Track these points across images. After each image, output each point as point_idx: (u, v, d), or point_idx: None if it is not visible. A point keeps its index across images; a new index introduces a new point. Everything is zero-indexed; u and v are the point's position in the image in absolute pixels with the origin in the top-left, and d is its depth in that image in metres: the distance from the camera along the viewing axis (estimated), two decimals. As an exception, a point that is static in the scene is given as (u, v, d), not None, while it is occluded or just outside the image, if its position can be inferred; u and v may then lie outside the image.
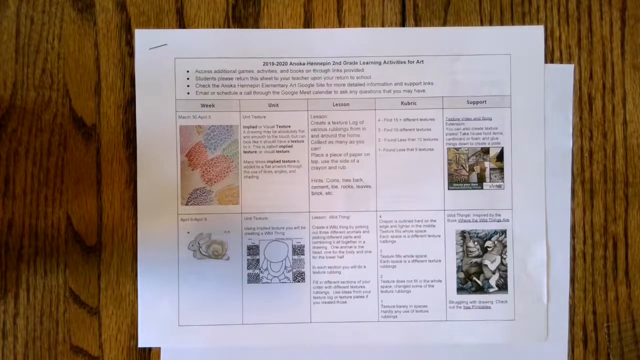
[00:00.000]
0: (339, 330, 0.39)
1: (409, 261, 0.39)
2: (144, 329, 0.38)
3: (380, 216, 0.39)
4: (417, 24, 0.39)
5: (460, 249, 0.39)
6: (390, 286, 0.39)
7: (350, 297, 0.39)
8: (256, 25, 0.39)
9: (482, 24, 0.39)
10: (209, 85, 0.39)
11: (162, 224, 0.38)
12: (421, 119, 0.39)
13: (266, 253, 0.39)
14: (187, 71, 0.38)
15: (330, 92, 0.39)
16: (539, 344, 0.39)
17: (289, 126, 0.39)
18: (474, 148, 0.39)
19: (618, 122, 0.39)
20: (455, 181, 0.39)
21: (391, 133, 0.39)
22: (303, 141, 0.39)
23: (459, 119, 0.39)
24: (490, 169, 0.39)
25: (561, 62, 0.39)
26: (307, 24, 0.39)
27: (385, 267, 0.39)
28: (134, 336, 0.38)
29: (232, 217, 0.39)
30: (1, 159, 0.38)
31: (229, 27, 0.39)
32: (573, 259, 0.39)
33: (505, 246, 0.39)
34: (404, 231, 0.39)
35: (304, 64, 0.39)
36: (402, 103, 0.39)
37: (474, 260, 0.39)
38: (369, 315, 0.39)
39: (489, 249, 0.39)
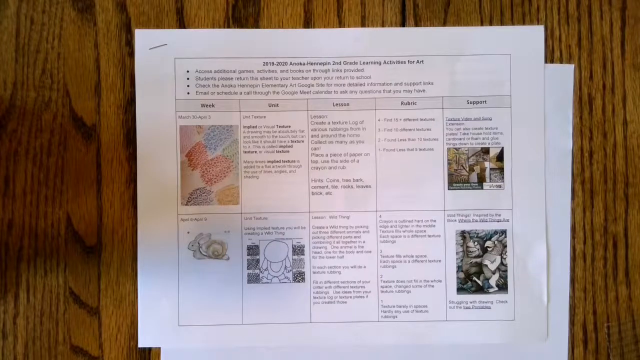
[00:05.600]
0: (339, 330, 0.39)
1: (409, 261, 0.39)
2: (144, 329, 0.38)
3: (380, 216, 0.39)
4: (417, 24, 0.39)
5: (460, 249, 0.39)
6: (390, 286, 0.39)
7: (350, 297, 0.39)
8: (256, 25, 0.39)
9: (482, 24, 0.39)
10: (209, 85, 0.39)
11: (162, 224, 0.38)
12: (421, 119, 0.39)
13: (266, 253, 0.39)
14: (187, 71, 0.38)
15: (330, 92, 0.39)
16: (539, 344, 0.39)
17: (289, 126, 0.39)
18: (474, 148, 0.39)
19: (618, 122, 0.39)
20: (455, 181, 0.39)
21: (391, 133, 0.39)
22: (303, 141, 0.39)
23: (459, 119, 0.39)
24: (490, 169, 0.39)
25: (561, 62, 0.39)
26: (307, 24, 0.39)
27: (385, 267, 0.39)
28: (134, 336, 0.38)
29: (232, 217, 0.39)
30: (1, 159, 0.38)
31: (229, 27, 0.39)
32: (573, 259, 0.39)
33: (505, 246, 0.39)
34: (404, 231, 0.39)
35: (304, 64, 0.39)
36: (402, 103, 0.39)
37: (474, 260, 0.39)
38: (369, 315, 0.39)
39: (489, 249, 0.39)
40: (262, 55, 0.39)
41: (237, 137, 0.39)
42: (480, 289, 0.39)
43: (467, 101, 0.39)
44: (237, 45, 0.39)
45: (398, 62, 0.39)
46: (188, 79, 0.38)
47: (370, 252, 0.39)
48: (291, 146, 0.39)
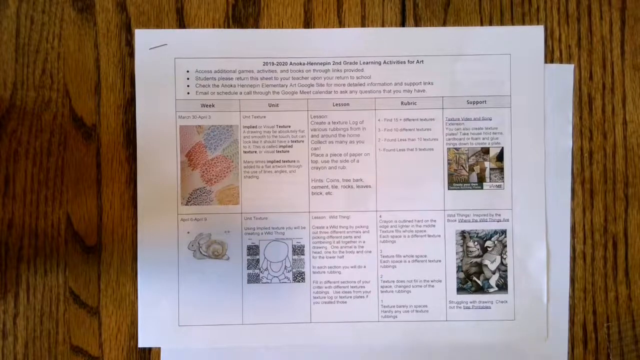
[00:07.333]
0: (339, 330, 0.39)
1: (409, 261, 0.39)
2: (144, 329, 0.38)
3: (380, 216, 0.39)
4: (417, 24, 0.39)
5: (460, 249, 0.39)
6: (390, 286, 0.39)
7: (350, 297, 0.39)
8: (256, 25, 0.39)
9: (482, 24, 0.39)
10: (209, 85, 0.39)
11: (162, 224, 0.38)
12: (421, 119, 0.39)
13: (266, 253, 0.39)
14: (187, 71, 0.38)
15: (330, 92, 0.39)
16: (539, 344, 0.39)
17: (289, 126, 0.39)
18: (474, 148, 0.39)
19: (618, 122, 0.39)
20: (455, 181, 0.39)
21: (391, 133, 0.39)
22: (303, 141, 0.39)
23: (459, 119, 0.39)
24: (490, 169, 0.39)
25: (561, 62, 0.39)
26: (307, 24, 0.39)
27: (385, 267, 0.39)
28: (134, 336, 0.38)
29: (232, 217, 0.39)
30: (1, 159, 0.38)
31: (229, 27, 0.39)
32: (573, 259, 0.39)
33: (505, 246, 0.39)
34: (404, 231, 0.39)
35: (304, 64, 0.39)
36: (402, 103, 0.39)
37: (474, 260, 0.39)
38: (369, 315, 0.39)
39: (489, 249, 0.39)
40: (262, 55, 0.39)
41: (237, 137, 0.39)
42: (480, 289, 0.39)
43: (467, 101, 0.39)
44: (237, 45, 0.39)
45: (398, 62, 0.39)
46: (188, 79, 0.38)
47: (370, 252, 0.39)
48: (291, 146, 0.39)
